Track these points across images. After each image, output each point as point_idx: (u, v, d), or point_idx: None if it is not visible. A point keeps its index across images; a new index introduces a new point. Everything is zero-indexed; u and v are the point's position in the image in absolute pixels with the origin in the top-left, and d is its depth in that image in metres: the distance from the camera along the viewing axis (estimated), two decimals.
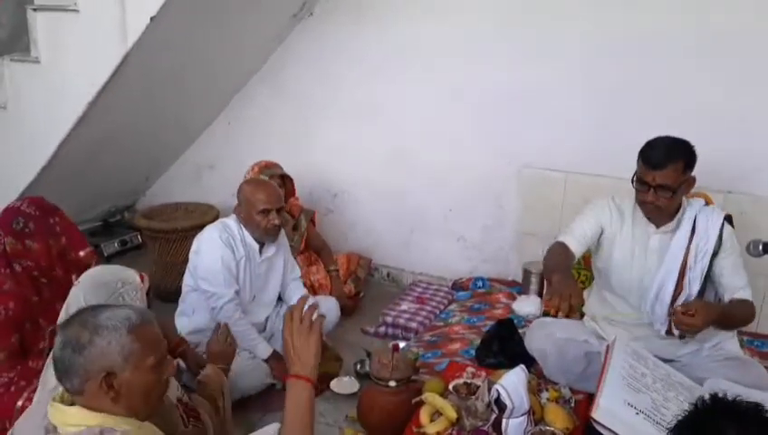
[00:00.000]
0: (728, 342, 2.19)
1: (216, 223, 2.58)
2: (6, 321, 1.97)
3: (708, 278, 2.09)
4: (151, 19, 2.68)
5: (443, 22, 3.17)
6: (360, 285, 3.44)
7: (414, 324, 3.00)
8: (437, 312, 3.13)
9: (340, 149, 3.65)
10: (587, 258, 2.90)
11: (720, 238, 2.06)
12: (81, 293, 1.71)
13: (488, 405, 1.88)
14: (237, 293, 2.46)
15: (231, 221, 2.54)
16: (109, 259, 3.78)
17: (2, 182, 3.25)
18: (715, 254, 2.05)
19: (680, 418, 1.08)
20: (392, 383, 2.16)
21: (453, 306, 3.15)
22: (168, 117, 3.65)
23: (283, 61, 3.64)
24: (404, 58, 3.32)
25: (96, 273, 1.78)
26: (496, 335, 2.50)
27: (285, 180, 3.17)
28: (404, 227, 3.59)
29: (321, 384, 2.57)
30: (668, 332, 2.11)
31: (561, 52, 2.96)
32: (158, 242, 3.41)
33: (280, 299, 2.79)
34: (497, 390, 1.86)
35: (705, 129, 2.71)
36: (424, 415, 1.97)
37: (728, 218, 2.14)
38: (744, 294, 2.06)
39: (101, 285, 1.72)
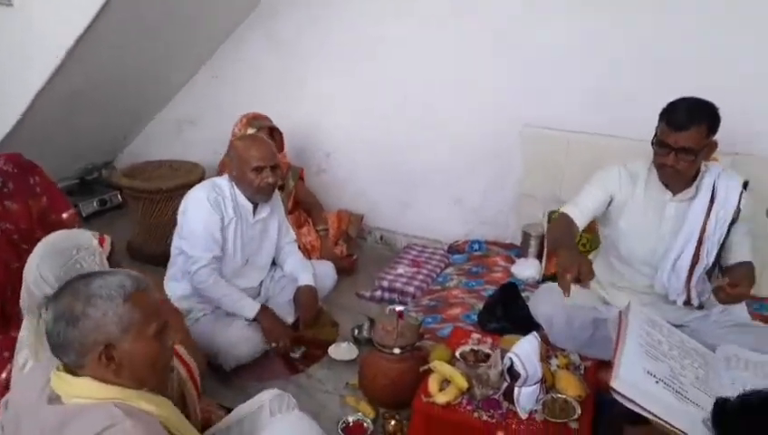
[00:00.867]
0: (736, 307, 2.16)
1: (205, 182, 2.44)
2: None
3: (722, 246, 2.04)
4: None
5: None
6: (352, 246, 3.35)
7: (411, 289, 2.92)
8: (434, 276, 3.07)
9: (333, 104, 3.49)
10: (591, 223, 2.86)
11: (738, 206, 1.99)
12: (34, 263, 1.58)
13: (501, 374, 1.82)
14: (217, 259, 2.34)
15: (222, 180, 2.41)
16: (87, 220, 3.62)
17: None
18: (733, 221, 1.99)
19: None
20: (396, 350, 2.10)
21: (450, 270, 3.08)
22: (148, 69, 3.45)
23: (274, 5, 3.42)
24: (405, 8, 3.14)
25: (51, 239, 1.64)
26: (500, 300, 2.44)
27: (274, 133, 3.03)
28: (400, 188, 3.48)
29: (318, 350, 2.52)
30: (687, 302, 2.06)
31: (570, 7, 2.83)
32: (141, 202, 3.24)
33: (274, 263, 2.68)
34: (510, 358, 1.79)
35: (713, 87, 2.63)
36: (433, 384, 1.90)
37: (745, 184, 2.07)
38: (750, 257, 2.03)
39: (55, 253, 1.58)
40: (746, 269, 1.98)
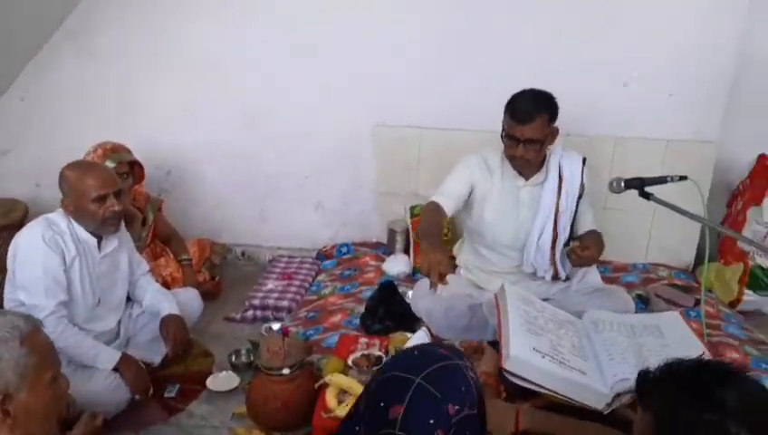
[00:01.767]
0: (591, 274, 2.39)
1: (38, 220, 2.12)
2: None
3: (573, 219, 2.23)
4: None
5: None
6: (216, 271, 3.15)
7: (285, 303, 2.82)
8: (307, 285, 2.99)
9: (170, 118, 3.23)
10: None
11: (582, 181, 2.20)
12: None
13: None
14: (64, 304, 2.07)
15: (56, 216, 2.12)
16: None
17: None
18: (579, 196, 2.19)
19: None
20: (286, 371, 2.00)
21: (322, 277, 3.03)
22: None
23: (90, 13, 3.07)
24: (242, 8, 3.00)
25: None
26: (380, 300, 2.44)
27: (135, 167, 2.74)
28: (255, 199, 3.33)
29: (194, 385, 2.33)
30: (555, 276, 2.22)
31: (410, 5, 2.90)
32: None
33: (129, 299, 2.42)
34: None
35: (545, 74, 2.88)
36: (330, 398, 1.85)
37: (584, 161, 2.29)
38: (595, 226, 2.29)
39: None
40: (595, 235, 2.22)
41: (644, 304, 2.70)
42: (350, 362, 2.00)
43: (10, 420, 0.99)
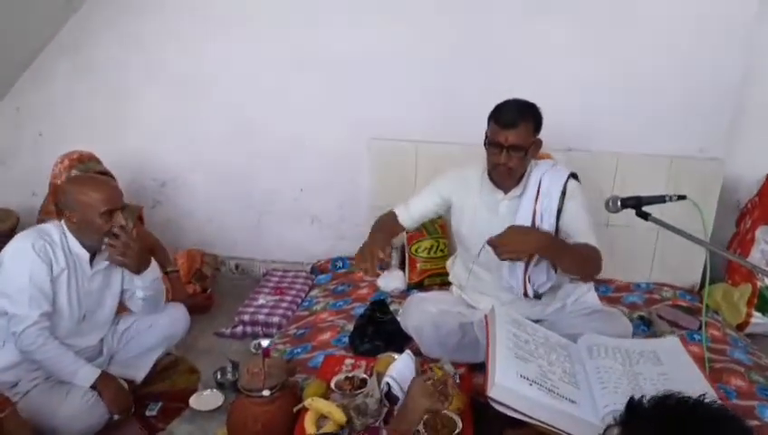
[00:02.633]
0: (588, 295, 2.29)
1: (29, 230, 2.11)
2: None
3: (558, 235, 2.12)
4: None
5: None
6: (207, 283, 3.09)
7: (275, 319, 2.76)
8: (299, 301, 2.93)
9: (164, 130, 3.22)
10: (443, 225, 2.91)
11: (563, 195, 2.09)
12: None
13: (379, 400, 1.74)
14: (47, 315, 2.02)
15: (51, 227, 2.09)
16: None
17: None
18: (560, 211, 2.09)
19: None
20: (266, 393, 1.93)
21: (315, 292, 2.96)
22: None
23: (82, 27, 3.07)
24: (236, 22, 2.98)
25: None
26: (369, 319, 2.36)
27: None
28: (251, 212, 3.29)
29: (177, 403, 2.27)
30: (525, 294, 2.13)
31: (404, 18, 2.85)
32: None
33: (116, 313, 2.36)
34: (387, 382, 1.73)
35: (544, 88, 2.80)
36: (308, 423, 1.77)
37: (574, 175, 2.18)
38: (586, 238, 2.03)
39: None
40: (527, 228, 2.04)
41: (646, 325, 2.60)
42: (332, 385, 1.92)
43: None
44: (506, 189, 2.14)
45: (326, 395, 1.90)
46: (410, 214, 2.22)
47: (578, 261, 2.03)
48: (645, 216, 1.85)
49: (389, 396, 1.71)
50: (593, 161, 2.87)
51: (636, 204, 1.85)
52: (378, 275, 2.77)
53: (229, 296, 3.08)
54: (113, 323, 2.34)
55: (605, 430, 1.51)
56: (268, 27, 2.96)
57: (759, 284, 2.85)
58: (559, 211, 2.11)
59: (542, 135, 2.81)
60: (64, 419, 1.98)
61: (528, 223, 2.10)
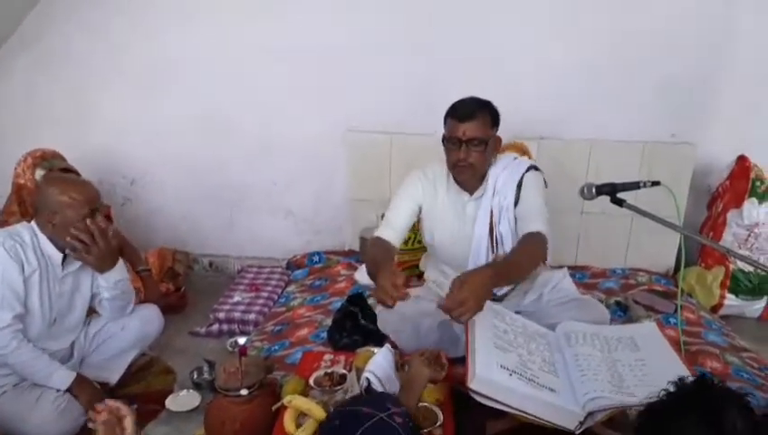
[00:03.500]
0: (563, 282, 2.28)
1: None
2: None
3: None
4: None
5: None
6: (180, 281, 3.03)
7: (251, 316, 2.71)
8: (276, 297, 2.89)
9: (131, 125, 3.14)
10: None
11: (519, 187, 2.06)
12: None
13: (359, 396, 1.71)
14: (20, 318, 1.96)
15: (21, 228, 2.03)
16: None
17: None
18: (517, 202, 2.06)
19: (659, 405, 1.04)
20: (243, 392, 1.89)
21: (291, 288, 2.92)
22: None
23: (42, 20, 2.96)
24: (204, 11, 2.91)
25: None
26: (348, 313, 2.34)
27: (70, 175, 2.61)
28: (223, 207, 3.23)
29: (153, 404, 2.22)
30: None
31: (378, 9, 2.83)
32: None
33: (87, 315, 2.29)
34: (367, 377, 1.70)
35: (518, 76, 2.80)
36: (288, 421, 1.74)
37: (534, 167, 2.13)
38: (534, 226, 1.95)
39: None
40: (475, 272, 1.77)
41: (623, 311, 2.63)
42: (311, 382, 1.89)
43: None
44: (471, 190, 2.11)
45: (305, 392, 1.87)
46: (395, 230, 2.10)
47: (526, 267, 1.94)
48: (620, 202, 1.85)
49: (369, 391, 1.68)
50: (567, 149, 2.88)
51: (610, 191, 1.86)
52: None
53: (204, 295, 3.03)
54: (85, 325, 2.28)
55: (586, 417, 1.53)
56: (237, 17, 2.90)
57: (731, 266, 2.89)
58: (517, 203, 2.08)
59: (516, 124, 2.83)
60: (35, 425, 1.92)
61: (487, 223, 2.08)
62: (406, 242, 2.86)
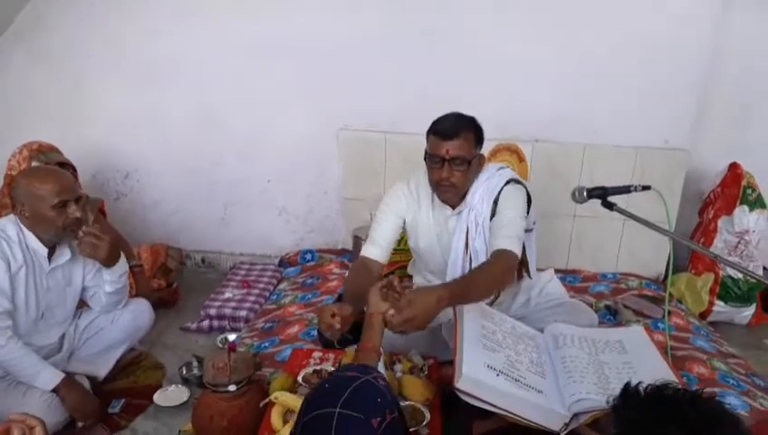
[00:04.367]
0: (550, 284, 2.29)
1: None
2: None
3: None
4: None
5: None
6: (172, 277, 3.03)
7: (243, 312, 2.71)
8: (267, 294, 2.89)
9: (127, 120, 3.13)
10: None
11: (496, 203, 2.02)
12: None
13: None
14: (8, 314, 1.95)
15: (7, 222, 2.01)
16: None
17: None
18: (493, 217, 2.04)
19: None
20: (232, 388, 1.89)
21: (283, 285, 2.92)
22: None
23: (39, 14, 2.96)
24: (201, 8, 2.91)
25: None
26: None
27: (66, 170, 2.59)
28: (216, 203, 3.23)
29: (141, 399, 2.22)
30: None
31: (373, 7, 2.83)
32: None
33: (77, 308, 2.29)
34: None
35: (512, 78, 2.81)
36: (275, 417, 1.74)
37: (515, 180, 2.08)
38: (503, 243, 1.92)
39: None
40: (425, 290, 1.77)
41: (612, 315, 2.64)
42: (299, 379, 1.90)
43: None
44: (453, 205, 2.08)
45: (293, 389, 1.87)
46: (380, 248, 2.08)
47: (483, 288, 1.87)
48: (610, 206, 1.86)
49: None
50: (561, 152, 2.89)
51: (601, 194, 1.86)
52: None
53: (195, 290, 3.02)
54: (75, 318, 2.27)
55: (571, 419, 1.54)
56: (233, 15, 2.89)
57: (721, 273, 2.91)
58: (493, 216, 2.04)
59: (510, 126, 2.85)
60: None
61: (464, 238, 2.06)
62: (398, 241, 2.86)
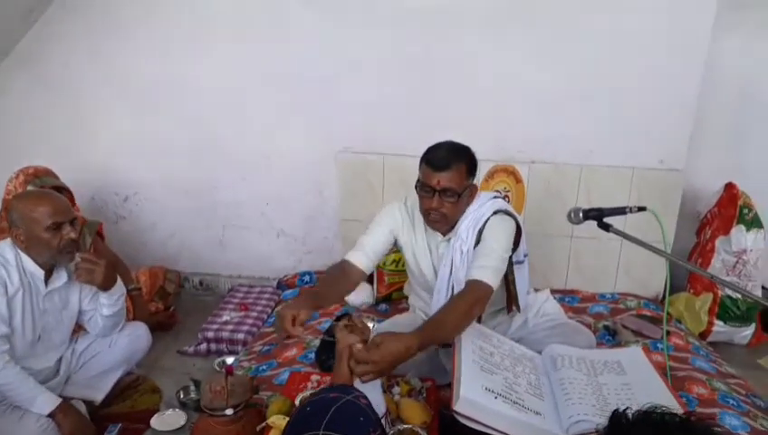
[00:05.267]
0: (547, 304, 2.29)
1: None
2: None
3: None
4: None
5: None
6: (170, 300, 3.02)
7: (240, 335, 2.70)
8: (265, 316, 2.88)
9: (127, 144, 3.16)
10: None
11: (480, 232, 2.01)
12: None
13: None
14: (5, 338, 1.95)
15: (4, 245, 2.02)
16: None
17: None
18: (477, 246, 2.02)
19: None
20: (229, 411, 1.88)
21: (281, 307, 2.90)
22: None
23: (40, 40, 3.00)
24: (199, 34, 2.95)
25: None
26: (335, 334, 2.32)
27: (62, 193, 2.61)
28: (215, 226, 3.24)
29: (137, 424, 2.19)
30: None
31: (370, 33, 2.86)
32: None
33: (74, 332, 2.28)
34: None
35: (508, 101, 2.83)
36: None
37: (503, 211, 2.06)
38: (477, 273, 1.88)
39: None
40: (394, 336, 1.68)
41: (611, 335, 2.63)
42: (297, 403, 1.89)
43: None
44: (444, 233, 2.08)
45: (290, 412, 1.86)
46: (366, 254, 2.05)
47: (453, 326, 1.81)
48: (606, 227, 1.87)
49: None
50: (557, 173, 2.91)
51: (597, 215, 1.87)
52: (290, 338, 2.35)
53: (193, 313, 3.02)
54: (71, 342, 2.27)
55: None
56: (233, 40, 2.94)
57: (720, 292, 2.91)
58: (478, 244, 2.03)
59: (507, 147, 2.86)
60: None
61: (449, 265, 2.05)
62: (396, 263, 2.87)
